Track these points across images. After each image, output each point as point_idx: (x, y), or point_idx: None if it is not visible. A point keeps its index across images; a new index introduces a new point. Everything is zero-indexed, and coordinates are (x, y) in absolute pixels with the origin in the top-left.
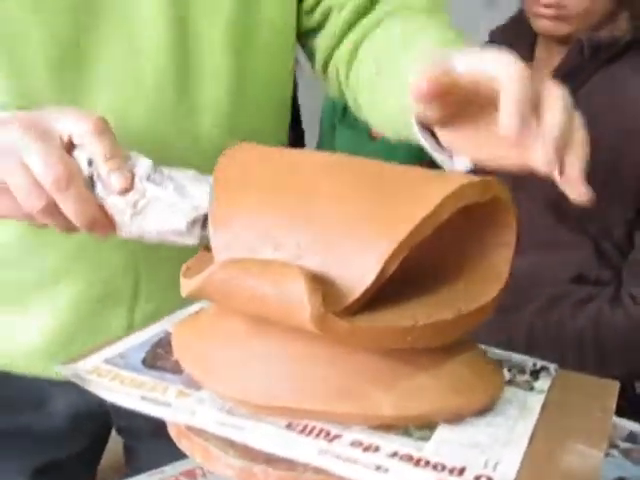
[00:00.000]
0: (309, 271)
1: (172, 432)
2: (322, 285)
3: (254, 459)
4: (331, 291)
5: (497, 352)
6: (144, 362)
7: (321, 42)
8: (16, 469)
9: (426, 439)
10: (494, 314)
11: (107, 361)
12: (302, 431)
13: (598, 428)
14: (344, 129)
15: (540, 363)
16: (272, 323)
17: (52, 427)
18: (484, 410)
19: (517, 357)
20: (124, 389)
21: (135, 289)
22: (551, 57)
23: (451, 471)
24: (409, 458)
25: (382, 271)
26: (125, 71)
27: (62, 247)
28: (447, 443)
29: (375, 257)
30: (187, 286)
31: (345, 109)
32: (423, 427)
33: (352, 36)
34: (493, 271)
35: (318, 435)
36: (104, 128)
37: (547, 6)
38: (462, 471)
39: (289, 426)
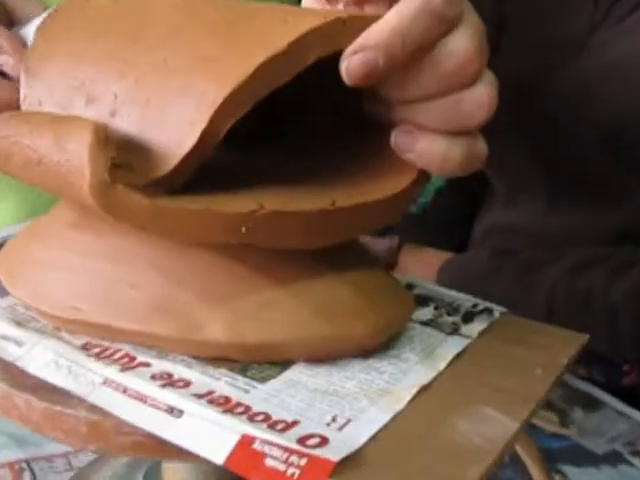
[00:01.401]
0: (101, 125)
1: None
2: (134, 149)
3: (18, 385)
4: (145, 159)
5: (433, 288)
6: None
7: None
8: None
9: (266, 379)
10: (512, 273)
11: None
12: (98, 354)
13: (527, 390)
14: None
15: (485, 305)
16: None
17: None
18: (366, 349)
19: (460, 296)
20: None
21: None
22: None
23: (272, 425)
24: (223, 402)
25: (208, 130)
26: None
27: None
28: (292, 387)
29: (199, 110)
30: None
31: None
32: (272, 364)
33: None
34: (400, 166)
35: (116, 361)
36: None
37: None
38: (289, 426)
39: (84, 346)
